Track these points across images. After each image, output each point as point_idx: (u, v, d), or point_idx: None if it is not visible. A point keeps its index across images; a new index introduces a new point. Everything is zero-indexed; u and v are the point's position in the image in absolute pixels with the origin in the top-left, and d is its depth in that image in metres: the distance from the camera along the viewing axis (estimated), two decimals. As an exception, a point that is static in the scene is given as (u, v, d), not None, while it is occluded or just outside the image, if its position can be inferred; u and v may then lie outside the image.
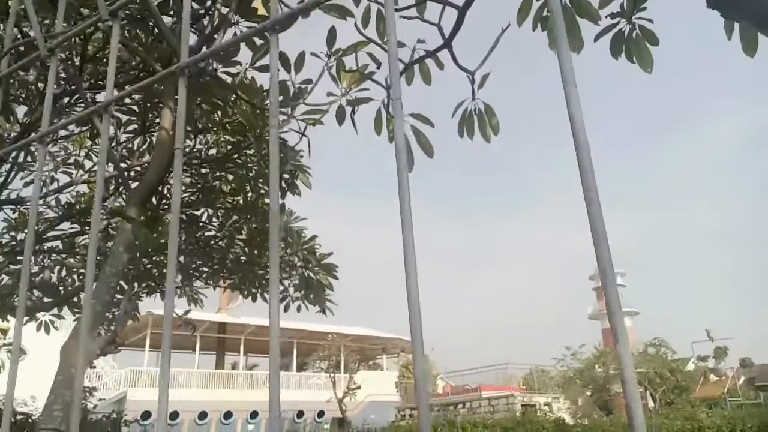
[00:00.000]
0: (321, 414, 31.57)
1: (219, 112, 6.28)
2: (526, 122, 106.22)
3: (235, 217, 7.14)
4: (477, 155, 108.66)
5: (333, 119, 4.99)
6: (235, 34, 4.60)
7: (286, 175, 6.47)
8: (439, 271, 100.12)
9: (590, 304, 52.99)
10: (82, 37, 4.48)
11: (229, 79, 5.59)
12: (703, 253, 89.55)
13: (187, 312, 7.83)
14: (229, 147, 7.04)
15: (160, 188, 4.48)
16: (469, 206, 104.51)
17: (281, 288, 8.41)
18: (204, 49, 3.86)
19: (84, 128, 6.90)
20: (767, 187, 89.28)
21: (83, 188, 7.81)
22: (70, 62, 5.32)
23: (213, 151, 7.31)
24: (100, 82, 5.58)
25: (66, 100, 5.88)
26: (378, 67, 4.40)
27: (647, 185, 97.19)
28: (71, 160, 7.54)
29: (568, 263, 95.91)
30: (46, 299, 7.52)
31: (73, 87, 5.40)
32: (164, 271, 7.66)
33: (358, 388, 27.50)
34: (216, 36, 3.99)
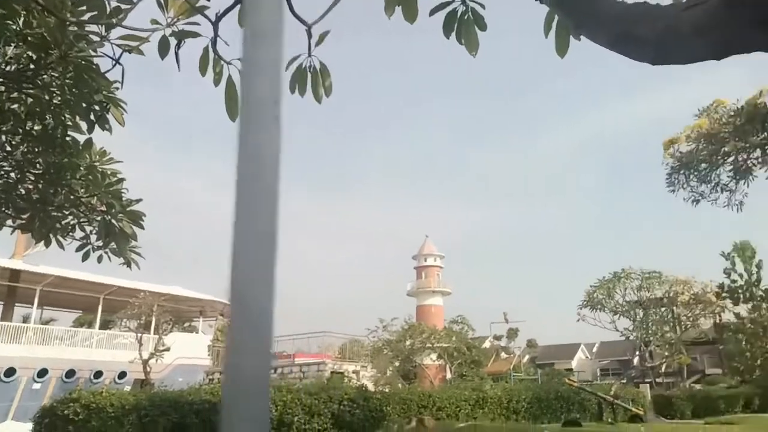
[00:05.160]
0: (122, 375, 29.62)
1: (20, 21, 5.36)
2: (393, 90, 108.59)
3: (28, 147, 6.22)
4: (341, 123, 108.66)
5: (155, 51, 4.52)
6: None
7: (95, 107, 5.77)
8: (288, 241, 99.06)
9: (410, 282, 56.19)
10: None
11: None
12: (516, 248, 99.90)
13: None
14: (30, 65, 6.08)
15: None
16: (320, 175, 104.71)
17: (81, 234, 7.56)
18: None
19: None
20: (583, 195, 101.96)
21: None
22: None
23: (11, 68, 6.27)
24: None
25: None
26: (209, 0, 4.05)
27: (482, 183, 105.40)
28: None
29: (401, 242, 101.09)
30: None
31: None
32: None
33: (167, 349, 26.24)
34: None
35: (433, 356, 37.50)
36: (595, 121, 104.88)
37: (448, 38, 3.81)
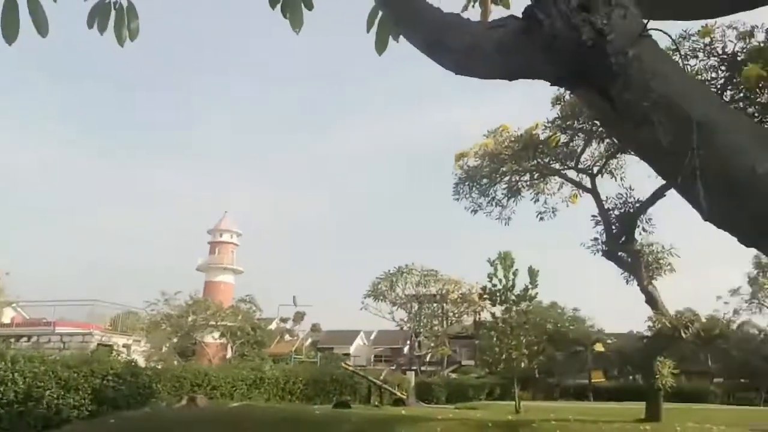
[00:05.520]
0: None
1: None
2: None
3: None
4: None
5: None
6: None
7: None
8: (68, 200, 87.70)
9: (201, 256, 53.88)
10: None
11: None
12: (313, 235, 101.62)
13: None
14: None
15: None
16: (120, 135, 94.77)
17: None
18: None
19: None
20: (383, 191, 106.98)
21: None
22: None
23: None
24: None
25: None
26: None
27: (291, 168, 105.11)
28: None
29: (201, 213, 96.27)
30: None
31: None
32: None
33: None
34: None
35: (216, 334, 36.49)
36: (409, 121, 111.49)
37: (273, 9, 3.72)
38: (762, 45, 12.99)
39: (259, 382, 19.42)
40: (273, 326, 52.27)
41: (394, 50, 3.71)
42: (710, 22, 13.28)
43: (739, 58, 13.24)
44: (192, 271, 53.30)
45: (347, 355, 52.53)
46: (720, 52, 13.53)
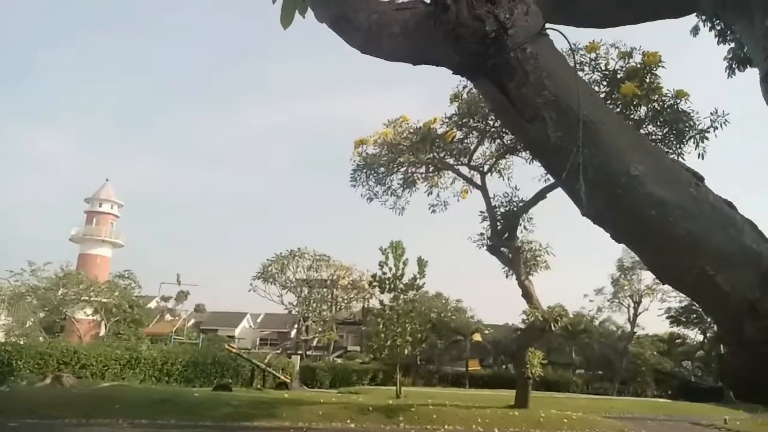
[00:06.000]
0: None
1: None
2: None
3: None
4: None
5: None
6: None
7: None
8: None
9: (77, 226, 49.94)
10: None
11: None
12: (202, 213, 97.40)
13: None
14: None
15: None
16: None
17: None
18: None
19: None
20: (279, 174, 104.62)
21: None
22: None
23: None
24: None
25: None
26: None
27: (181, 143, 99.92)
28: None
29: (81, 180, 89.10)
30: None
31: None
32: None
33: None
34: None
35: (89, 310, 34.16)
36: (312, 106, 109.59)
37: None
38: (638, 66, 14.22)
39: (134, 362, 18.48)
40: (153, 305, 49.76)
41: (316, 35, 3.61)
42: (597, 38, 14.33)
43: (618, 76, 14.41)
44: (65, 242, 49.36)
45: (232, 337, 51.13)
46: (603, 68, 14.63)
